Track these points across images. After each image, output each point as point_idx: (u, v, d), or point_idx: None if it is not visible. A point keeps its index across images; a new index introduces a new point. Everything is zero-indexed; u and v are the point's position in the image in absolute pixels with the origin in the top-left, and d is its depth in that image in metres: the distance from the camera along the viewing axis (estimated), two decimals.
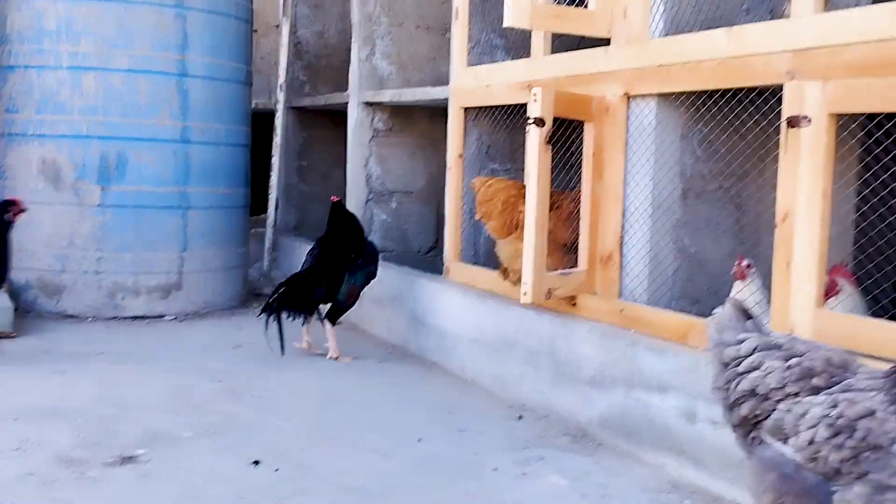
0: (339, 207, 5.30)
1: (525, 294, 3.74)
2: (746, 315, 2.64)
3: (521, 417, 4.12)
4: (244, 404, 4.15)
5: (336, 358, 5.06)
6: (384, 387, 4.56)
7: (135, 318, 5.97)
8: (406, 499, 3.12)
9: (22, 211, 4.83)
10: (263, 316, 4.90)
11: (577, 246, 4.13)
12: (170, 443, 3.58)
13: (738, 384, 2.49)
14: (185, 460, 3.40)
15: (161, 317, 6.05)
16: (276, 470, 3.32)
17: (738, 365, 2.53)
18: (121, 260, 5.95)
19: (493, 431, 3.91)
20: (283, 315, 4.91)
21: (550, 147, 3.76)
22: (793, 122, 3.05)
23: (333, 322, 5.16)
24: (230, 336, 5.58)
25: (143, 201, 5.96)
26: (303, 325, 5.16)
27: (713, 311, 2.78)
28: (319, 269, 5.08)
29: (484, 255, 5.37)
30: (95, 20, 5.83)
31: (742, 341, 2.57)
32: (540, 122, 3.67)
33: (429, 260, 6.80)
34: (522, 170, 5.49)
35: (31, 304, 5.93)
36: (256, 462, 3.38)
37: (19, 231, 5.94)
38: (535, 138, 3.68)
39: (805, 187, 3.03)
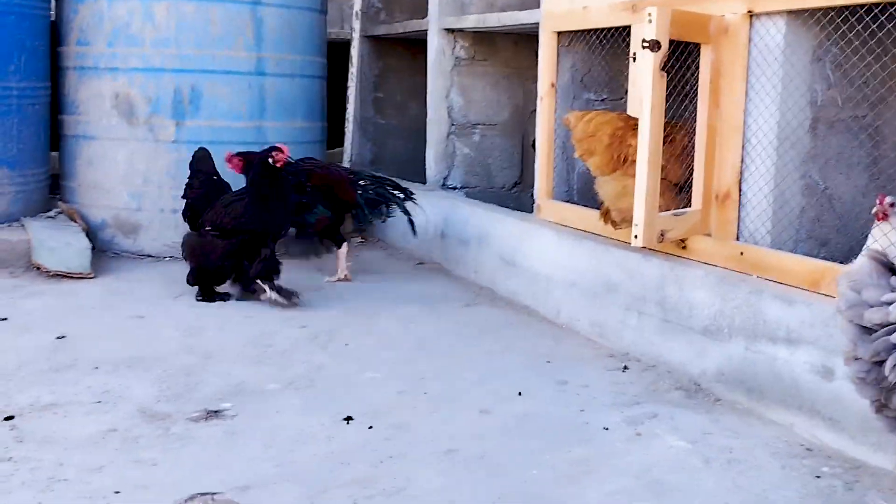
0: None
1: (636, 237, 3.41)
2: (891, 269, 2.28)
3: (626, 368, 3.82)
4: (329, 353, 3.93)
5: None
6: (475, 334, 4.29)
7: None
8: (513, 464, 2.85)
9: (287, 157, 4.71)
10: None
11: (689, 185, 3.76)
12: (255, 396, 3.37)
13: None
14: (272, 416, 3.19)
15: None
16: (370, 428, 3.09)
17: (892, 333, 2.18)
18: None
19: (598, 384, 3.62)
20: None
21: (665, 74, 3.38)
22: None
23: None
24: (310, 277, 5.36)
25: (218, 137, 5.69)
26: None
27: (851, 261, 2.42)
28: None
29: (578, 192, 5.02)
30: None
31: (891, 302, 2.21)
32: (655, 45, 3.29)
33: (513, 196, 6.48)
34: (620, 100, 5.11)
35: (109, 244, 5.78)
36: (349, 419, 3.16)
37: (93, 168, 5.81)
38: (648, 64, 3.31)
39: None
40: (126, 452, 2.84)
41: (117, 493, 2.58)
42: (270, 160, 4.68)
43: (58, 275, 5.03)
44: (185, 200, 4.88)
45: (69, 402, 3.24)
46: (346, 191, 5.20)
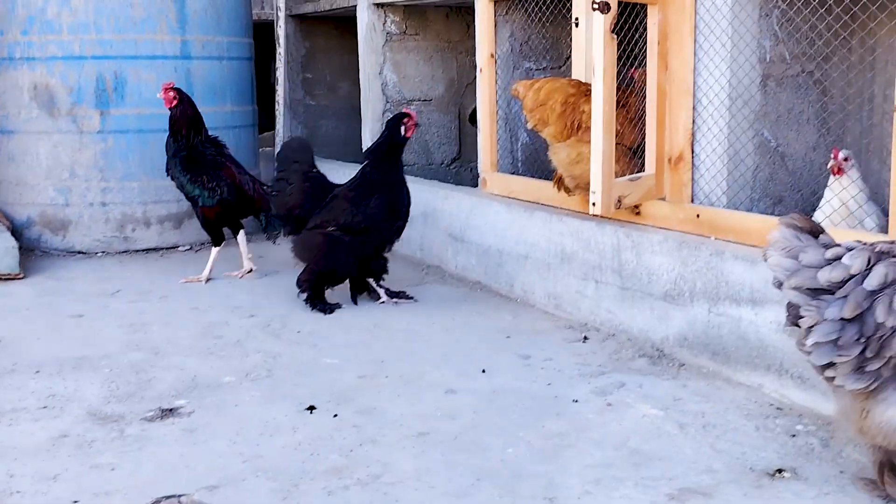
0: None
1: (594, 204, 3.35)
2: (812, 230, 2.24)
3: (585, 339, 3.77)
4: (283, 341, 3.80)
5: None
6: (429, 313, 4.20)
7: (147, 250, 5.60)
8: (488, 443, 2.78)
9: (417, 125, 4.19)
10: None
11: (644, 149, 3.72)
12: (211, 390, 3.23)
13: (893, 304, 2.11)
14: (232, 410, 3.06)
15: (175, 248, 5.67)
16: (335, 416, 2.98)
17: (861, 283, 2.13)
18: (128, 189, 5.53)
19: (561, 357, 3.56)
20: None
21: (615, 37, 3.32)
22: None
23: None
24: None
25: (145, 125, 5.50)
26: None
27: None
28: None
29: (523, 163, 4.96)
30: None
31: (840, 257, 2.17)
32: (604, 6, 3.22)
33: (452, 172, 6.39)
34: (560, 68, 5.06)
35: (36, 242, 5.54)
36: (311, 408, 3.04)
37: (15, 164, 5.54)
38: (599, 27, 3.24)
39: None
40: (81, 458, 2.68)
41: (76, 502, 2.42)
42: (402, 128, 4.12)
43: None
44: (279, 201, 4.33)
45: (13, 408, 3.06)
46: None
